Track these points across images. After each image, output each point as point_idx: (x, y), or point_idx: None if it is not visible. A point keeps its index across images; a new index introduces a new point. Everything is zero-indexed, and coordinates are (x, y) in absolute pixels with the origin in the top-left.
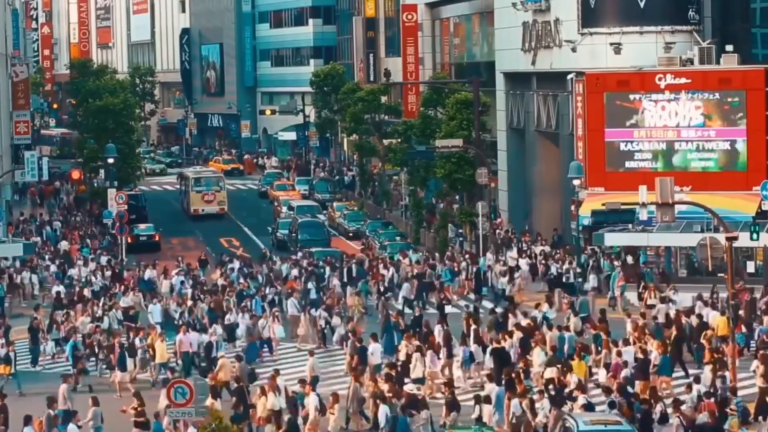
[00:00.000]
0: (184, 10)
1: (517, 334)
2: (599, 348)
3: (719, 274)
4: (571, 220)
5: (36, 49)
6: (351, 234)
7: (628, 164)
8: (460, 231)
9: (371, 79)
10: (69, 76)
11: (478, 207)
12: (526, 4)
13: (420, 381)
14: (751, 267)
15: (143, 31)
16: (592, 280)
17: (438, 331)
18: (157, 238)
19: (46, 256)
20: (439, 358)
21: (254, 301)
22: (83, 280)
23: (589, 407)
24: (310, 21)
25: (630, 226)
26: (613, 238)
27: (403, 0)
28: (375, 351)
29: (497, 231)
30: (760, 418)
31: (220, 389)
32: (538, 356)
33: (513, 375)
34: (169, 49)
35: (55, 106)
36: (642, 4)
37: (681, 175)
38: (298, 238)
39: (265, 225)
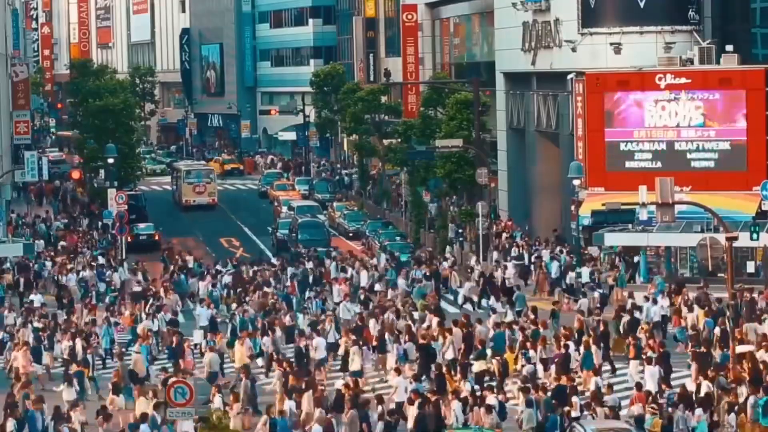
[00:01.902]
0: (184, 10)
1: (456, 331)
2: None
3: (719, 275)
4: (571, 220)
5: (36, 49)
6: (351, 234)
7: (628, 164)
8: (460, 231)
9: (371, 79)
10: (69, 76)
11: (478, 207)
12: (526, 4)
13: (357, 374)
14: (750, 267)
15: (143, 31)
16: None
17: (372, 326)
18: (156, 238)
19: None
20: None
21: (314, 303)
22: (119, 283)
23: (496, 408)
24: (310, 21)
25: (630, 226)
26: (613, 238)
27: (403, 0)
28: (319, 345)
29: (504, 235)
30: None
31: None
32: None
33: (444, 371)
34: (169, 49)
35: (59, 105)
36: (642, 4)
37: (681, 175)
38: (298, 238)
39: (265, 225)
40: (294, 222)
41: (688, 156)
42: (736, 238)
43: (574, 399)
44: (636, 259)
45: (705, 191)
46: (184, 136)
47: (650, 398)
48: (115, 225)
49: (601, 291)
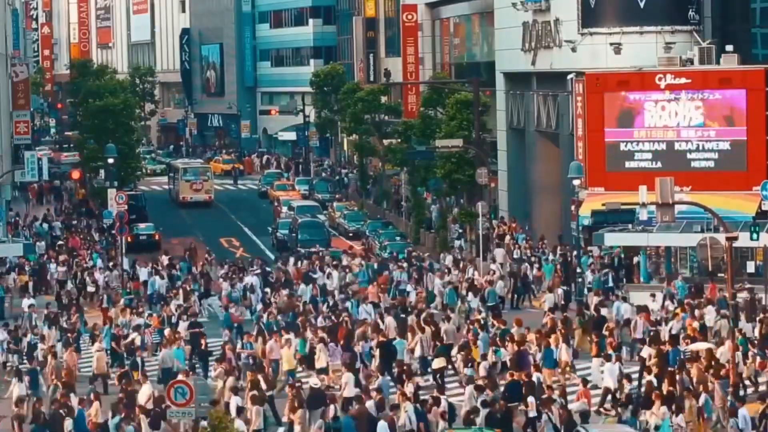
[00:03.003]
0: (184, 10)
1: (428, 330)
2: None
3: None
4: (571, 220)
5: (36, 49)
6: (351, 234)
7: (628, 164)
8: (461, 231)
9: (371, 79)
10: (69, 76)
11: (478, 207)
12: (526, 4)
13: (323, 371)
14: (751, 267)
15: (143, 31)
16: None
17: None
18: (156, 238)
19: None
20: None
21: (350, 303)
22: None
23: (450, 408)
24: (310, 21)
25: (630, 226)
26: (613, 238)
27: (403, 0)
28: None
29: (506, 237)
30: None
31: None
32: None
33: (404, 369)
34: (169, 49)
35: (59, 105)
36: (642, 4)
37: (681, 175)
38: (298, 238)
39: (265, 225)
40: (294, 222)
41: (688, 156)
42: (736, 238)
43: (530, 399)
44: (635, 259)
45: (705, 191)
46: (184, 136)
47: (609, 395)
48: (115, 225)
49: (565, 288)
